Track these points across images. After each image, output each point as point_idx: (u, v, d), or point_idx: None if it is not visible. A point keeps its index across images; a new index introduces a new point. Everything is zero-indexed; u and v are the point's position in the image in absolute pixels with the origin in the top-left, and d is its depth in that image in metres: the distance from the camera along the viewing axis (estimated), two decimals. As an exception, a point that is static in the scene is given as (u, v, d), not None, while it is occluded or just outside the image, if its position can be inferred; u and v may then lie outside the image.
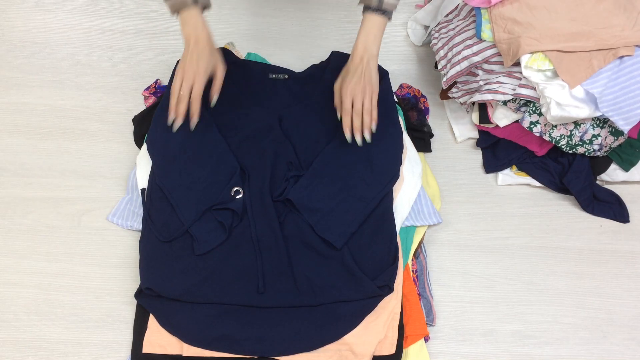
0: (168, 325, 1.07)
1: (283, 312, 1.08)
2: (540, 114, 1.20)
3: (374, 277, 1.09)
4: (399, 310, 1.11)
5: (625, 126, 1.13)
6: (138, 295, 1.10)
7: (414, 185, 1.22)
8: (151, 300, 1.09)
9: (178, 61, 1.12)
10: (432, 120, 1.40)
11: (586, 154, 1.26)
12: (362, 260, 1.11)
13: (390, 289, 1.09)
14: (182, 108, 1.09)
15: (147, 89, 1.38)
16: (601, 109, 1.12)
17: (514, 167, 1.34)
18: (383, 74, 1.24)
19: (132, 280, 1.18)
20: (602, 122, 1.21)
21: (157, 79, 1.39)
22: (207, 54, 1.07)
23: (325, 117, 1.20)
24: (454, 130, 1.38)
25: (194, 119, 1.11)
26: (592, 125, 1.21)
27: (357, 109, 1.07)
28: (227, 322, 1.06)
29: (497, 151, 1.34)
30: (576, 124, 1.21)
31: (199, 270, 1.09)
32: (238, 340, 1.06)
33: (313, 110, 1.23)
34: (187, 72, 1.07)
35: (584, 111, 1.13)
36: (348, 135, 1.09)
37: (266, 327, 1.07)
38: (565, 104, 1.12)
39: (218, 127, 1.18)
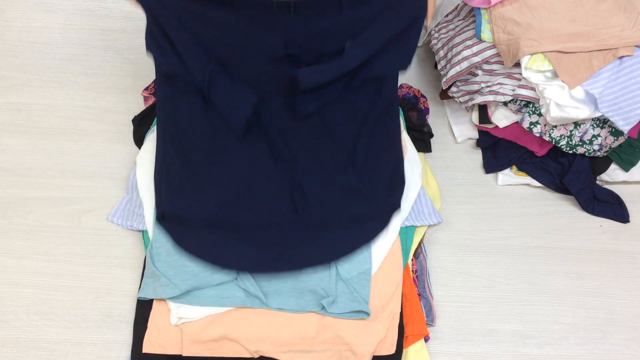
0: (192, 247, 1.09)
1: (300, 232, 1.10)
2: (540, 115, 1.20)
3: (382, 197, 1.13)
4: (399, 310, 1.11)
5: (625, 126, 1.13)
6: (160, 219, 1.12)
7: (414, 185, 1.22)
8: (173, 225, 1.10)
9: None
10: (432, 120, 1.40)
11: (586, 154, 1.26)
12: (369, 182, 1.12)
13: (399, 207, 1.15)
14: None
15: (147, 89, 1.38)
16: (601, 109, 1.12)
17: (514, 167, 1.34)
18: None
19: (132, 280, 1.18)
20: (602, 122, 1.21)
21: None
22: None
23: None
24: (454, 131, 1.39)
25: None
26: (592, 125, 1.21)
27: None
28: (249, 242, 1.09)
29: (497, 151, 1.34)
30: (576, 124, 1.21)
31: (223, 189, 1.09)
32: (257, 260, 1.08)
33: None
34: None
35: (583, 112, 1.13)
36: None
37: (283, 247, 1.09)
38: (564, 104, 1.13)
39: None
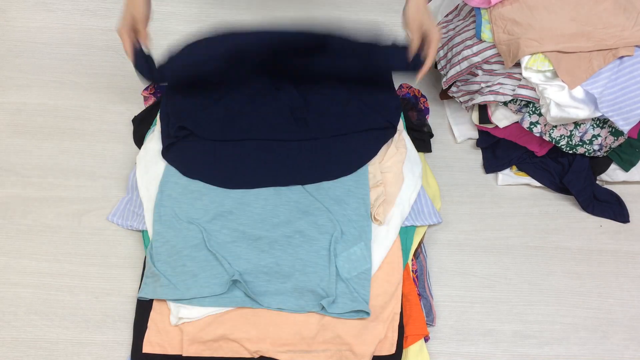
0: (197, 174, 1.17)
1: (300, 146, 1.19)
2: (540, 115, 1.20)
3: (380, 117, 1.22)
4: (399, 310, 1.11)
5: (625, 126, 1.13)
6: (166, 153, 1.19)
7: (414, 185, 1.22)
8: (178, 157, 1.18)
9: None
10: (432, 120, 1.40)
11: (586, 154, 1.26)
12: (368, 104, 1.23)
13: (394, 129, 1.22)
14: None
15: (147, 89, 1.38)
16: (601, 109, 1.12)
17: (514, 167, 1.34)
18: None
19: (132, 280, 1.18)
20: (602, 122, 1.21)
21: (157, 79, 1.39)
22: (124, 9, 1.12)
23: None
24: (454, 131, 1.39)
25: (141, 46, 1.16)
26: (592, 125, 1.21)
27: None
28: (256, 156, 1.19)
29: (497, 151, 1.34)
30: (576, 124, 1.21)
31: (230, 110, 1.21)
32: (260, 175, 1.17)
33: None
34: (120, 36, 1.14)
35: (583, 112, 1.13)
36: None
37: (289, 160, 1.18)
38: (564, 104, 1.13)
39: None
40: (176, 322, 1.08)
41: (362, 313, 1.07)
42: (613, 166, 1.31)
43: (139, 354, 1.08)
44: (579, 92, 1.12)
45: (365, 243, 1.12)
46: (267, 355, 1.07)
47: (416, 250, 1.21)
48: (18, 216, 1.24)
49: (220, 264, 1.10)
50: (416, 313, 1.12)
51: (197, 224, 1.13)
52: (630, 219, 1.31)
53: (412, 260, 1.19)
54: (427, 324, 1.14)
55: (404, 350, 1.11)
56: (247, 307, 1.09)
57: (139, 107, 1.38)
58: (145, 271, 1.13)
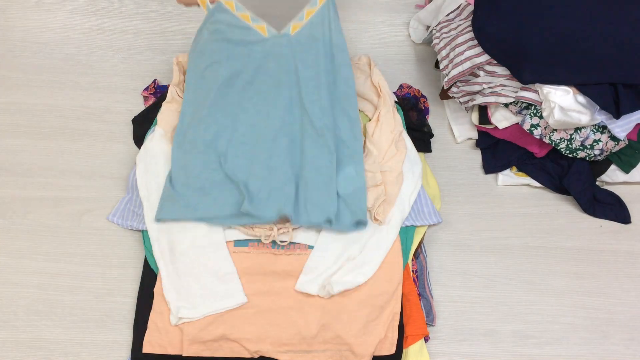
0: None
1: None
2: (541, 117, 1.20)
3: None
4: (399, 310, 1.11)
5: (620, 133, 1.15)
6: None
7: (414, 185, 1.22)
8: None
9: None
10: (432, 120, 1.40)
11: (587, 158, 1.26)
12: None
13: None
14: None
15: (147, 89, 1.38)
16: (599, 116, 1.13)
17: (514, 168, 1.34)
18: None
19: (132, 280, 1.18)
20: (602, 127, 1.21)
21: (155, 79, 1.39)
22: None
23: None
24: (454, 131, 1.38)
25: None
26: (593, 130, 1.21)
27: None
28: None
29: (497, 152, 1.34)
30: (577, 128, 1.21)
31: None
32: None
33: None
34: None
35: (586, 116, 1.14)
36: None
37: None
38: (569, 108, 1.13)
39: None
40: (176, 322, 1.08)
41: (362, 224, 1.15)
42: (613, 167, 1.31)
43: (139, 354, 1.08)
44: (583, 96, 1.13)
45: (357, 162, 1.19)
46: (267, 355, 1.08)
47: (416, 250, 1.21)
48: (18, 216, 1.24)
49: (236, 185, 1.15)
50: (416, 313, 1.12)
51: (214, 148, 1.18)
52: (631, 219, 1.31)
53: (412, 260, 1.19)
54: (427, 324, 1.14)
55: (404, 350, 1.11)
56: (263, 245, 1.14)
57: (139, 107, 1.38)
58: (162, 195, 1.17)
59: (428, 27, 1.48)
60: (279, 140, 1.18)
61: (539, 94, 1.17)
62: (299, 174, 1.17)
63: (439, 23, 1.36)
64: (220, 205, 1.15)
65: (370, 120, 1.29)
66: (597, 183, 1.33)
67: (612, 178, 1.33)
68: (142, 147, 1.25)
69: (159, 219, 1.15)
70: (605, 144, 1.22)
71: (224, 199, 1.16)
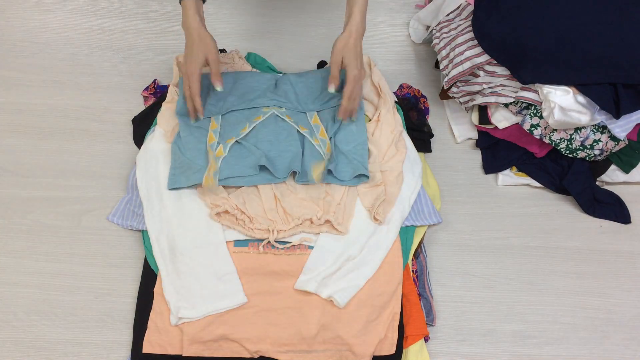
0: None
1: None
2: (541, 117, 1.20)
3: None
4: (399, 310, 1.11)
5: (620, 133, 1.15)
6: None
7: (414, 185, 1.22)
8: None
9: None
10: (432, 120, 1.40)
11: (587, 158, 1.26)
12: None
13: None
14: (191, 107, 1.20)
15: (147, 89, 1.38)
16: (599, 116, 1.13)
17: (514, 168, 1.34)
18: None
19: (132, 280, 1.18)
20: (602, 127, 1.21)
21: (155, 79, 1.39)
22: (195, 49, 1.12)
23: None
24: (454, 131, 1.38)
25: (198, 115, 1.20)
26: (593, 130, 1.21)
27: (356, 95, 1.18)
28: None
29: (497, 152, 1.34)
30: (577, 128, 1.21)
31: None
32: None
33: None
34: (184, 74, 1.16)
35: (585, 117, 1.14)
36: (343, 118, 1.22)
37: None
38: (569, 108, 1.13)
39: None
40: (176, 322, 1.08)
41: (363, 177, 1.19)
42: (613, 167, 1.31)
43: (139, 354, 1.08)
44: (583, 96, 1.13)
45: (359, 120, 1.24)
46: (267, 355, 1.07)
47: (416, 250, 1.21)
48: (18, 216, 1.24)
49: (247, 149, 1.19)
50: (416, 313, 1.12)
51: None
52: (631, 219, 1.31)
53: (412, 260, 1.19)
54: (427, 324, 1.14)
55: (404, 350, 1.11)
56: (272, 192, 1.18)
57: (139, 107, 1.38)
58: (171, 164, 1.19)
59: (428, 27, 1.48)
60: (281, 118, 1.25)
61: (539, 94, 1.17)
62: (303, 141, 1.23)
63: (439, 23, 1.36)
64: (232, 166, 1.17)
65: (370, 120, 1.29)
66: (597, 183, 1.33)
67: (612, 178, 1.33)
68: (142, 147, 1.25)
69: (172, 188, 1.18)
70: (605, 144, 1.22)
71: (234, 160, 1.18)
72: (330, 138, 1.23)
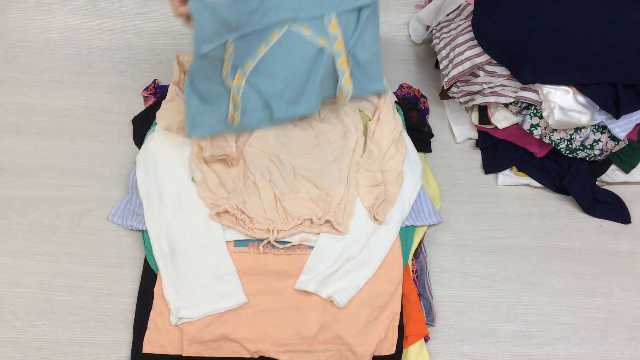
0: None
1: None
2: (541, 117, 1.20)
3: None
4: (399, 310, 1.11)
5: (620, 133, 1.15)
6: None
7: (414, 185, 1.22)
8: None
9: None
10: (432, 120, 1.40)
11: (587, 158, 1.26)
12: None
13: None
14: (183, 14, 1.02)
15: (147, 89, 1.38)
16: (599, 116, 1.13)
17: (514, 168, 1.34)
18: None
19: (132, 280, 1.18)
20: (602, 127, 1.21)
21: (155, 79, 1.39)
22: None
23: None
24: (454, 131, 1.38)
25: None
26: (593, 130, 1.21)
27: None
28: None
29: (497, 152, 1.34)
30: (577, 128, 1.21)
31: None
32: None
33: None
34: None
35: (586, 117, 1.14)
36: None
37: None
38: (569, 108, 1.13)
39: None
40: (176, 322, 1.08)
41: (382, 90, 1.21)
42: (613, 167, 1.31)
43: (139, 354, 1.08)
44: (583, 96, 1.13)
45: (374, 24, 1.14)
46: (267, 355, 1.08)
47: (416, 250, 1.21)
48: (18, 216, 1.25)
49: (258, 95, 1.11)
50: (416, 313, 1.13)
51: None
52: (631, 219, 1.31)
53: (412, 260, 1.19)
54: (427, 324, 1.14)
55: (404, 350, 1.11)
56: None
57: (139, 107, 1.38)
58: (187, 110, 1.11)
59: (428, 27, 1.48)
60: None
61: (539, 94, 1.17)
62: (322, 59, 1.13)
63: (439, 23, 1.36)
64: (250, 113, 1.12)
65: (370, 120, 1.29)
66: (597, 183, 1.33)
67: (612, 178, 1.33)
68: (142, 147, 1.25)
69: (192, 135, 1.13)
70: (605, 144, 1.22)
71: (246, 114, 1.13)
72: (349, 52, 1.14)
